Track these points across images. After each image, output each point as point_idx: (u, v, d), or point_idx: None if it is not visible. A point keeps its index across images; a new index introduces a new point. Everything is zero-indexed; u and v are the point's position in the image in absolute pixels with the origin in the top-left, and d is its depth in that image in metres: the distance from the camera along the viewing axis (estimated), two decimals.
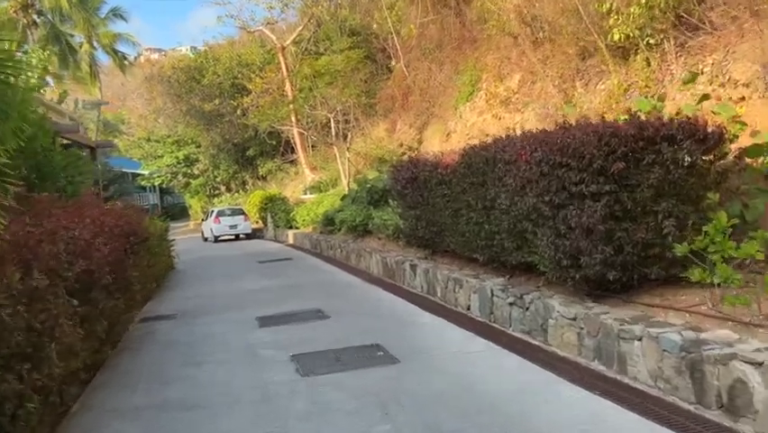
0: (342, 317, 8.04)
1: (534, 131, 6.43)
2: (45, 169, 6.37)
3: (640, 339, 4.56)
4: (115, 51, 38.94)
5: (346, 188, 19.80)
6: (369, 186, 13.83)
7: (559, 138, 5.44)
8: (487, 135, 10.81)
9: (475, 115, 15.00)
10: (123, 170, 47.16)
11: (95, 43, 37.24)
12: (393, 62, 27.46)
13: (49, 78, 34.32)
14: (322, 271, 13.21)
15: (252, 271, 14.24)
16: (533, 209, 5.91)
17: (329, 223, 17.37)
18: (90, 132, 41.79)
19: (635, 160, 5.28)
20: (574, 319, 5.38)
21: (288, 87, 27.16)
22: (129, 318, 7.45)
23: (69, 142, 12.77)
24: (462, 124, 15.47)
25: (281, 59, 28.51)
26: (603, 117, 7.33)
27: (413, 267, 9.55)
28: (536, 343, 6.00)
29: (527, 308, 6.19)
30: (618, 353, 4.82)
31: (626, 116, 6.31)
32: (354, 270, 12.73)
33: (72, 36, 35.57)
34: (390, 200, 12.46)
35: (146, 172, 43.90)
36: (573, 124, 5.92)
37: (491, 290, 6.93)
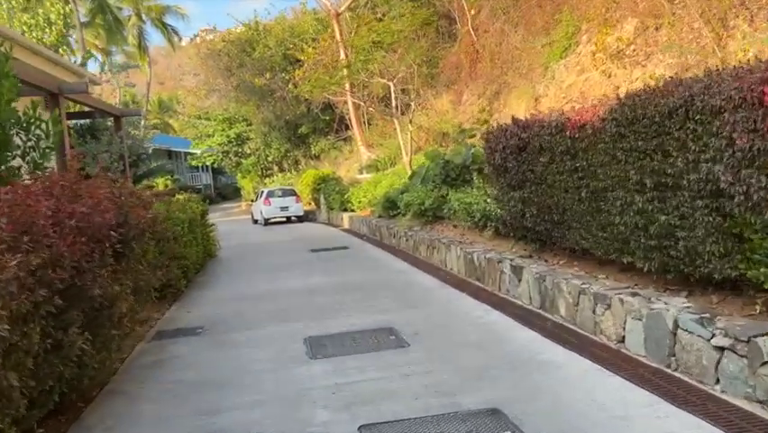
0: (425, 343, 5.63)
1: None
2: None
3: None
4: (164, 25, 37.63)
5: (408, 166, 17.35)
6: (444, 161, 11.29)
7: None
8: (606, 92, 8.12)
9: (573, 75, 12.17)
10: (164, 147, 46.31)
11: (143, 16, 35.92)
12: (458, 27, 24.74)
13: (97, 54, 33.24)
14: (386, 266, 10.83)
15: (304, 262, 12.02)
16: None
17: (391, 206, 15.01)
18: (138, 105, 40.72)
19: None
20: None
21: (342, 52, 24.79)
22: (125, 345, 5.25)
23: (91, 108, 10.75)
24: (556, 86, 12.67)
25: (335, 26, 26.08)
26: None
27: (516, 269, 7.00)
28: None
29: (765, 363, 3.58)
30: None
31: None
32: (426, 265, 10.29)
33: (120, 9, 34.23)
34: (476, 178, 9.94)
35: (198, 152, 42.72)
36: None
37: (675, 321, 4.33)
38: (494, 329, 5.94)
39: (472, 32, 22.85)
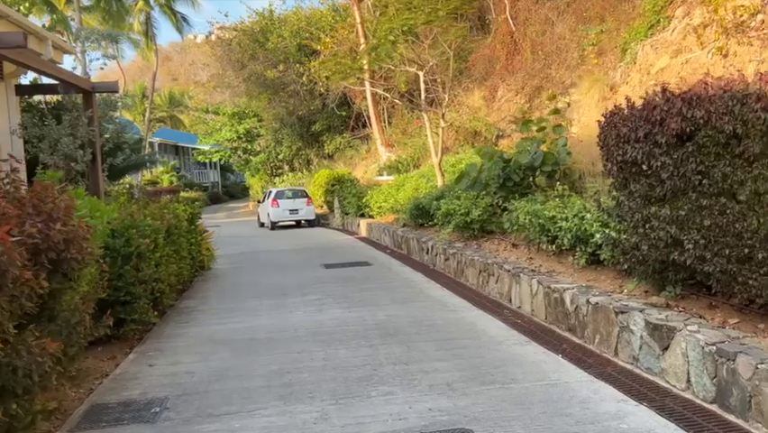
0: None
1: None
2: None
3: None
4: (173, 12, 35.29)
5: (437, 168, 14.85)
6: (503, 161, 8.72)
7: None
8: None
9: (666, 57, 9.58)
10: (171, 141, 44.19)
11: (151, 2, 33.61)
12: (491, 16, 22.32)
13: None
14: (424, 296, 8.25)
15: (316, 283, 9.50)
16: None
17: (421, 214, 12.54)
18: (147, 98, 38.35)
19: None
20: None
21: (362, 39, 22.40)
22: None
23: (58, 78, 8.29)
24: (640, 72, 10.07)
25: (356, 12, 23.65)
26: None
27: (660, 331, 4.41)
28: None
29: None
30: None
31: None
32: (479, 298, 7.75)
33: None
34: (557, 184, 7.38)
35: (206, 147, 40.49)
36: None
37: None
38: None
39: (510, 21, 20.42)
